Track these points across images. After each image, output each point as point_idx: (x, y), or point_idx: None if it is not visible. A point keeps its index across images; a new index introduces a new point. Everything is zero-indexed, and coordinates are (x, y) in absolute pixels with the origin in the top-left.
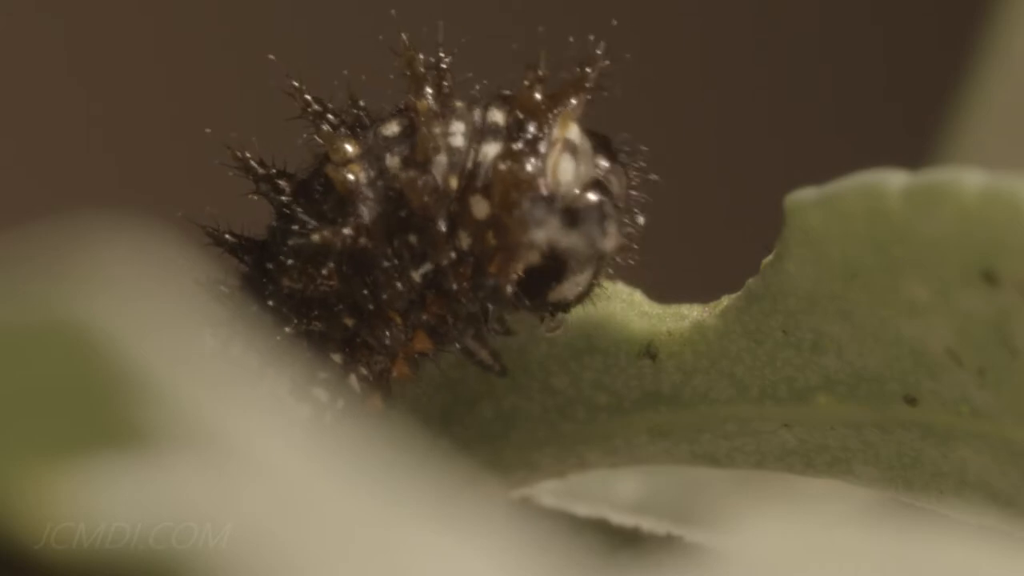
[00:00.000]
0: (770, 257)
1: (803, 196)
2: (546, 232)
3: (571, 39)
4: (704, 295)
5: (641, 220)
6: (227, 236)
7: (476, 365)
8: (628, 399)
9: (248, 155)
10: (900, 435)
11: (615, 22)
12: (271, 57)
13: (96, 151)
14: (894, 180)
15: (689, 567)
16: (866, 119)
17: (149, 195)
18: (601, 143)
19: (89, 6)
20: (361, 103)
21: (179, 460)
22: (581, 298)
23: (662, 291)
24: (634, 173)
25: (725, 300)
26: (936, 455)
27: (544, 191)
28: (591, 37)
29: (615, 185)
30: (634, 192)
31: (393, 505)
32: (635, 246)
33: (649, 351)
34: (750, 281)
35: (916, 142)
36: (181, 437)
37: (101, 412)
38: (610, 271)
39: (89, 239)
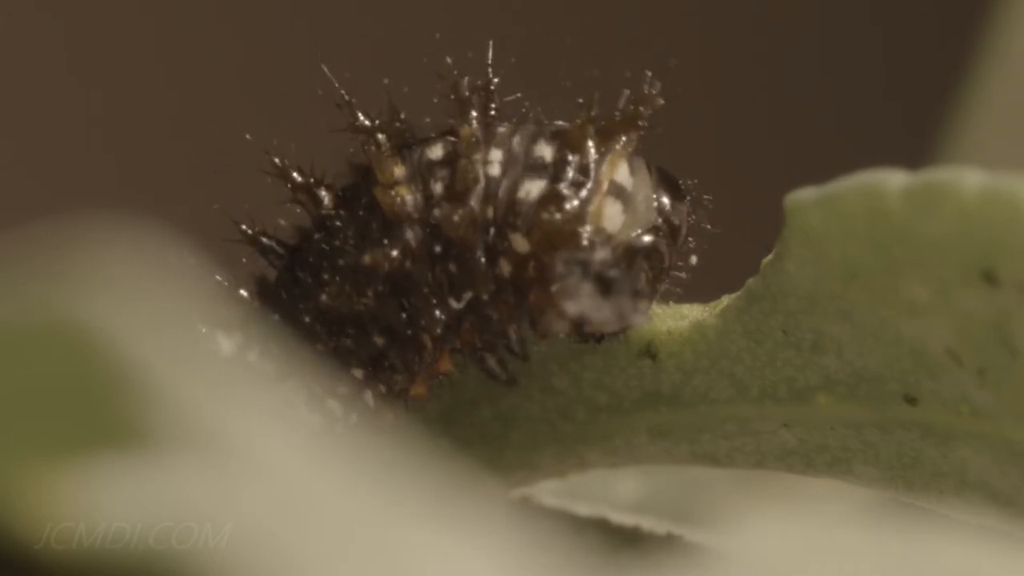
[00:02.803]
0: (770, 257)
1: (803, 196)
2: (583, 286)
3: (627, 74)
4: (704, 295)
5: (693, 259)
6: (262, 239)
7: (486, 374)
8: (628, 399)
9: (287, 162)
10: (900, 435)
11: (616, 23)
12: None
13: (96, 151)
14: (894, 180)
15: (689, 567)
16: (866, 119)
17: (149, 195)
18: (664, 180)
19: (89, 6)
20: (403, 116)
21: (179, 460)
22: (620, 330)
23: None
24: (694, 213)
25: (725, 300)
26: (936, 455)
27: (585, 240)
28: (648, 73)
29: (672, 224)
30: (691, 235)
31: (393, 505)
32: (678, 286)
33: (649, 351)
34: (750, 281)
35: (916, 142)
36: (181, 437)
37: (101, 412)
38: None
39: (89, 239)
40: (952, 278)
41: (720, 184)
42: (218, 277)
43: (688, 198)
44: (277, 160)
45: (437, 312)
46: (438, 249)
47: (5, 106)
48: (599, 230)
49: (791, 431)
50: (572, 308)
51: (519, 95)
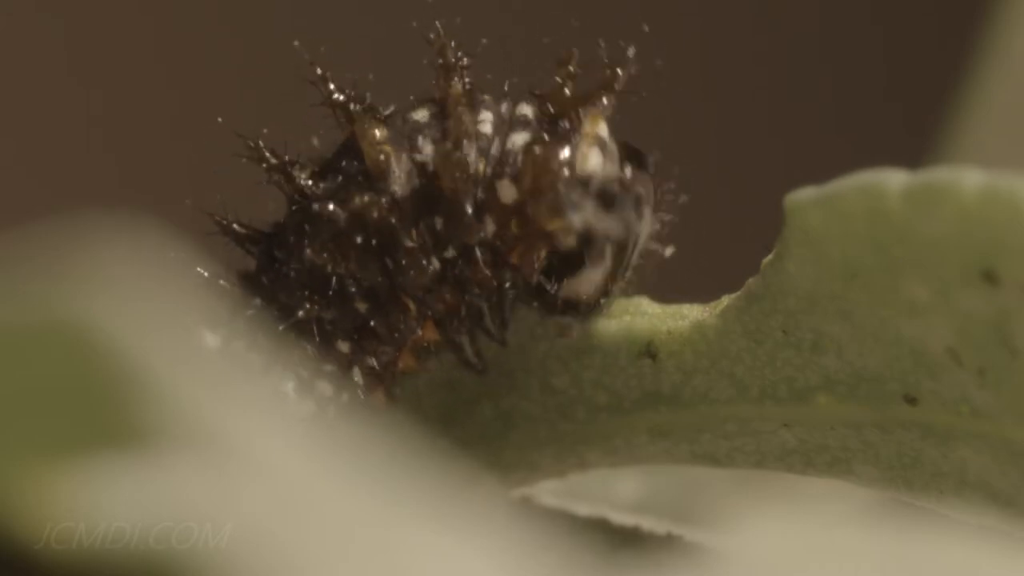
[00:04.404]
0: (770, 257)
1: (803, 196)
2: (572, 218)
3: (601, 42)
4: (704, 295)
5: (668, 247)
6: (235, 226)
7: (460, 361)
8: (628, 399)
9: (261, 144)
10: (900, 435)
11: (616, 23)
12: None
13: (96, 151)
14: (894, 180)
15: (689, 567)
16: (866, 119)
17: (149, 195)
18: (630, 152)
19: (89, 6)
20: (369, 99)
21: (179, 460)
22: (592, 302)
23: (662, 291)
24: (661, 188)
25: (725, 300)
26: (936, 455)
27: (572, 177)
28: (621, 42)
29: (641, 192)
30: (661, 207)
31: (393, 505)
32: (657, 257)
33: (649, 351)
34: (750, 281)
35: (916, 142)
36: (181, 437)
37: (101, 412)
38: (626, 279)
39: (89, 239)
40: (952, 278)
41: (720, 184)
42: (207, 273)
43: (652, 170)
44: (250, 142)
45: (419, 269)
46: (424, 203)
47: (5, 106)
48: (585, 171)
49: (791, 431)
50: (576, 219)
51: (508, 80)
